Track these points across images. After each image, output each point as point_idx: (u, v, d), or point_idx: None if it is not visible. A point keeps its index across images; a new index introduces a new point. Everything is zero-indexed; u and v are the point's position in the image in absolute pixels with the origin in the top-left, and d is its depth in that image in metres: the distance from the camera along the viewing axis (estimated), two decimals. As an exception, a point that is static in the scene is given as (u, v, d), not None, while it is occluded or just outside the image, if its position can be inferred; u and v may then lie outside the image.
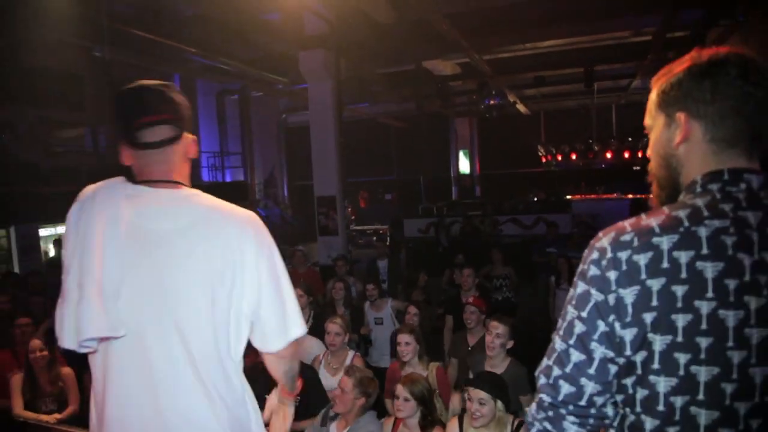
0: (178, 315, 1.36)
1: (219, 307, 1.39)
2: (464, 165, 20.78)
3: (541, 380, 1.14)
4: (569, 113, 17.47)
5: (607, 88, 14.98)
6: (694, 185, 1.10)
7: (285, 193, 19.45)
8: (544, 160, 16.97)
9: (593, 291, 1.08)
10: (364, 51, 10.18)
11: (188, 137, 1.57)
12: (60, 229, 11.65)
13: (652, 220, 1.06)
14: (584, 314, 1.09)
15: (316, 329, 4.28)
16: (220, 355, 1.40)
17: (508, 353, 3.62)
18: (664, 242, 1.02)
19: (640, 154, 15.00)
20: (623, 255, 1.05)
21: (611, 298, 1.05)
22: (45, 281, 7.03)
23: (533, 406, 1.16)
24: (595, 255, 1.10)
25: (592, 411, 1.09)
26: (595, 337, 1.07)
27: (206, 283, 1.39)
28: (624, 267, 1.04)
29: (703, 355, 0.99)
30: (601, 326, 1.07)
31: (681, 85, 1.12)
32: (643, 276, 1.02)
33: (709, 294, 0.98)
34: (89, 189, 1.48)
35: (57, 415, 3.81)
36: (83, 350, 1.33)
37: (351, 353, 3.91)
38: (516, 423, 2.92)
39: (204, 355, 1.38)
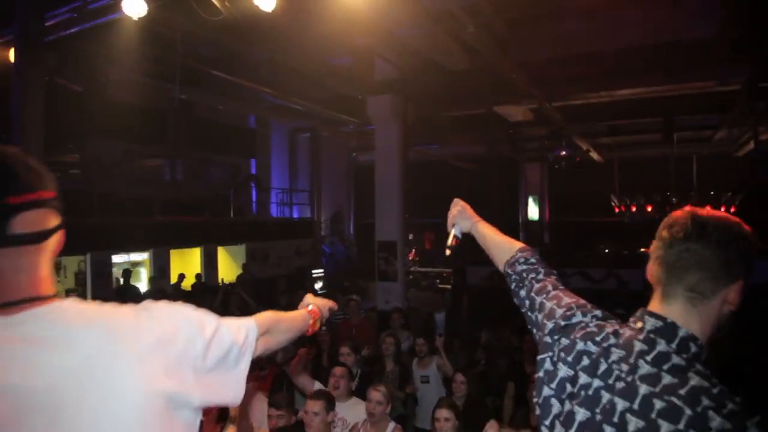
0: None
1: None
2: (533, 211, 20.25)
3: None
4: (646, 163, 16.67)
5: (689, 138, 14.27)
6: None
7: (351, 230, 19.57)
8: (617, 210, 16.25)
9: None
10: (433, 96, 10.18)
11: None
12: (133, 257, 12.17)
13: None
14: None
15: (361, 391, 4.11)
16: None
17: None
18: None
19: (723, 209, 14.12)
20: None
21: None
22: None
23: None
24: None
25: None
26: None
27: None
28: None
29: None
30: None
31: None
32: None
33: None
34: None
35: None
36: None
37: (391, 426, 3.71)
38: None
39: None
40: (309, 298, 1.88)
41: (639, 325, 1.20)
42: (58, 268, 11.05)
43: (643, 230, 16.44)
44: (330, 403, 3.39)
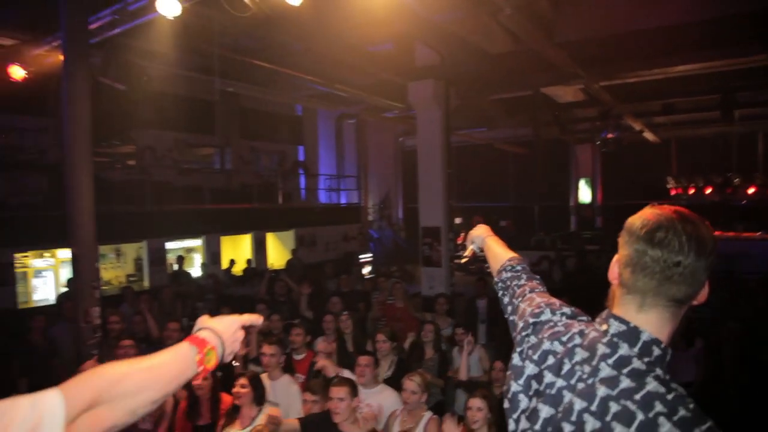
0: None
1: None
2: (585, 194, 19.76)
3: None
4: (705, 142, 15.96)
5: (752, 115, 13.54)
6: None
7: (399, 215, 19.63)
8: (674, 192, 15.65)
9: None
10: (475, 80, 10.03)
11: None
12: (186, 243, 12.62)
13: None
14: None
15: (395, 380, 4.16)
16: None
17: None
18: None
19: (789, 189, 13.43)
20: None
21: None
22: (154, 298, 7.56)
23: None
24: None
25: None
26: None
27: None
28: None
29: None
30: None
31: None
32: None
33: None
34: None
35: None
36: None
37: (427, 416, 3.73)
38: None
39: None
40: (203, 321, 1.29)
41: (604, 327, 1.19)
42: (118, 254, 11.66)
43: (701, 213, 15.79)
44: (354, 389, 3.46)
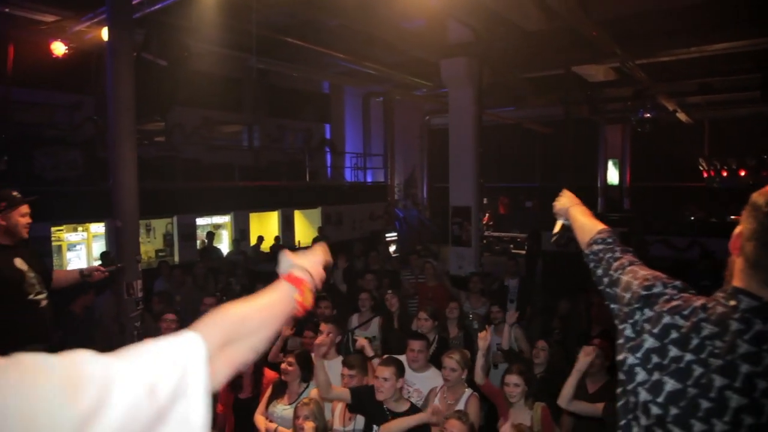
0: None
1: None
2: (613, 175, 19.49)
3: None
4: (740, 123, 15.54)
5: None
6: None
7: (424, 194, 19.58)
8: (705, 175, 15.35)
9: None
10: (508, 57, 9.89)
11: None
12: (215, 220, 12.75)
13: None
14: None
15: (437, 357, 4.16)
16: None
17: None
18: None
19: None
20: None
21: None
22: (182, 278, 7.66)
23: None
24: None
25: None
26: None
27: None
28: None
29: None
30: None
31: None
32: None
33: None
34: None
35: None
36: None
37: (467, 392, 3.75)
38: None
39: None
40: (288, 256, 1.28)
41: (732, 303, 1.18)
42: (148, 229, 11.82)
43: (734, 196, 15.53)
44: (400, 370, 3.46)
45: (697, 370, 1.16)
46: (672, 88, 12.59)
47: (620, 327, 1.37)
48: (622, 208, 18.43)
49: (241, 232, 12.37)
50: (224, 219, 12.80)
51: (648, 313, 1.30)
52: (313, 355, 3.61)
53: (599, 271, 1.57)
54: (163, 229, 11.99)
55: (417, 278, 7.46)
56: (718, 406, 1.11)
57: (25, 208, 3.21)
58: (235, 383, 4.11)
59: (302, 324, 4.67)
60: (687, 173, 16.20)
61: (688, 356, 1.18)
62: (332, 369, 4.20)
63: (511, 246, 14.97)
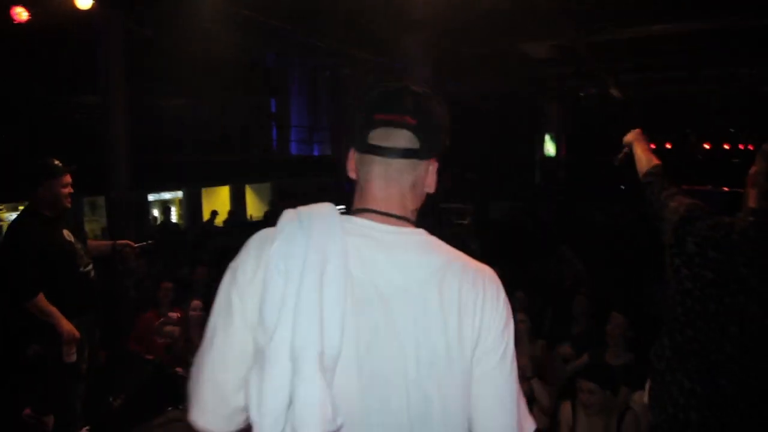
0: (410, 402, 1.03)
1: (455, 389, 1.06)
2: (550, 148, 20.35)
3: None
4: (667, 101, 16.65)
5: (712, 76, 14.23)
6: None
7: (368, 168, 19.68)
8: (636, 148, 16.36)
9: None
10: (462, 32, 10.13)
11: (432, 164, 1.19)
12: (166, 195, 12.49)
13: None
14: None
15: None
16: None
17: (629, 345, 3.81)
18: None
19: (741, 147, 14.27)
20: None
21: None
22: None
23: None
24: None
25: None
26: None
27: (443, 356, 1.04)
28: None
29: None
30: None
31: None
32: None
33: None
34: (293, 217, 1.08)
35: None
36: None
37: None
38: (624, 410, 3.08)
39: None
40: None
41: (751, 219, 1.70)
42: (93, 207, 11.45)
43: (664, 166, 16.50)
44: None
45: (730, 263, 1.67)
46: (609, 66, 13.31)
47: (668, 242, 1.84)
48: (558, 180, 19.33)
49: (192, 208, 12.21)
50: (176, 194, 12.58)
51: (690, 229, 1.76)
52: None
53: (652, 197, 2.00)
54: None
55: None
56: (742, 286, 1.65)
57: (67, 178, 3.12)
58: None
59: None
60: (620, 147, 17.13)
61: (721, 256, 1.68)
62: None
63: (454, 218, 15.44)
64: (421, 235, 1.13)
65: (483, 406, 1.09)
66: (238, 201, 13.45)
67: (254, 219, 13.14)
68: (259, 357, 0.98)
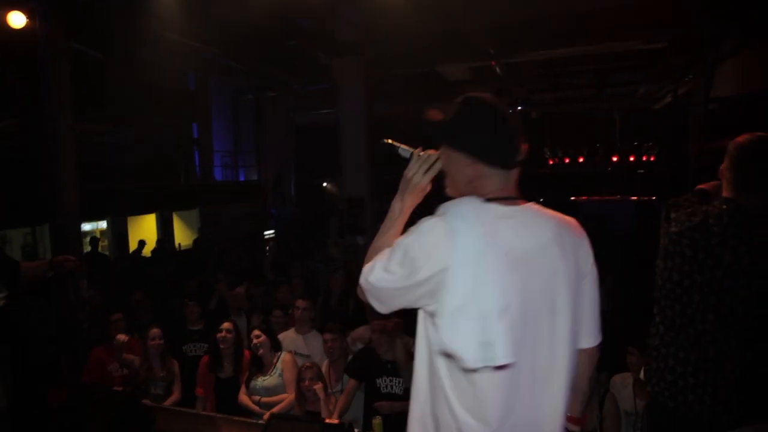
0: (558, 335, 1.44)
1: (575, 320, 1.48)
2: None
3: None
4: (576, 117, 17.77)
5: (616, 94, 15.44)
6: None
7: (292, 191, 19.57)
8: (551, 162, 17.31)
9: None
10: (392, 56, 10.45)
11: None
12: (86, 227, 11.78)
13: None
14: None
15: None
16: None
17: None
18: None
19: (644, 159, 15.48)
20: None
21: None
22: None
23: None
24: None
25: None
26: None
27: (571, 297, 1.46)
28: None
29: None
30: None
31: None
32: None
33: None
34: (454, 209, 1.45)
35: None
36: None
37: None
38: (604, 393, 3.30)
39: (570, 363, 1.48)
40: None
41: (724, 206, 2.04)
42: (4, 242, 10.62)
43: (573, 179, 17.58)
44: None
45: (706, 243, 2.02)
46: (525, 86, 14.14)
47: (663, 227, 2.24)
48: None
49: (119, 237, 11.67)
50: (101, 225, 11.95)
51: (675, 215, 2.15)
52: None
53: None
54: (21, 240, 10.86)
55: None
56: (717, 262, 1.99)
57: None
58: (215, 363, 4.24)
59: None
60: (535, 160, 18.04)
61: (699, 236, 2.04)
62: (309, 342, 4.47)
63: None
64: (533, 205, 1.56)
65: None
66: (165, 229, 12.97)
67: (183, 247, 12.73)
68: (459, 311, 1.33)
